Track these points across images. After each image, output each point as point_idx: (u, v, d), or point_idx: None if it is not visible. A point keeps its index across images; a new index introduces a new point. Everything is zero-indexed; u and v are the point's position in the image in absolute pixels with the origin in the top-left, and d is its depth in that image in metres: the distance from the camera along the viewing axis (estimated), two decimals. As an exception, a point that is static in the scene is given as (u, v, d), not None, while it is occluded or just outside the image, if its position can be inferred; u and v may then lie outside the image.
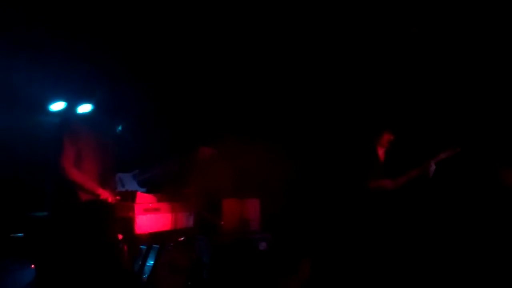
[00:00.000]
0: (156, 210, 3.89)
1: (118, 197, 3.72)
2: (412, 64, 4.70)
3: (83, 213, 3.49)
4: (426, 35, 4.34)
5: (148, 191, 4.14)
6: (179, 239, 4.18)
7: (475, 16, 4.04)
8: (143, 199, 3.82)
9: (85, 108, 4.09)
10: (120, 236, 3.60)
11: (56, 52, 4.19)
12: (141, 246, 4.02)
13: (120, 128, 3.85)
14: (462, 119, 4.65)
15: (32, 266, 3.85)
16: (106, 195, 3.58)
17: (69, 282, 3.40)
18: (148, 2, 3.86)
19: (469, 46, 4.36)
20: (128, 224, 3.68)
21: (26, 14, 3.77)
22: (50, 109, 4.31)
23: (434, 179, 4.15)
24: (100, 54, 4.26)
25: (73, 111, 4.11)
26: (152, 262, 4.04)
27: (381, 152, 4.41)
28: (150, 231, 3.80)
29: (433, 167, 4.07)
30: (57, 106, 4.31)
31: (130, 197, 3.78)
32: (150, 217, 3.83)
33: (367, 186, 4.20)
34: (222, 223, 4.67)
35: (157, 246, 4.08)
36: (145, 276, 4.04)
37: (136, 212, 3.69)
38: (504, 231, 4.25)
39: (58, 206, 3.50)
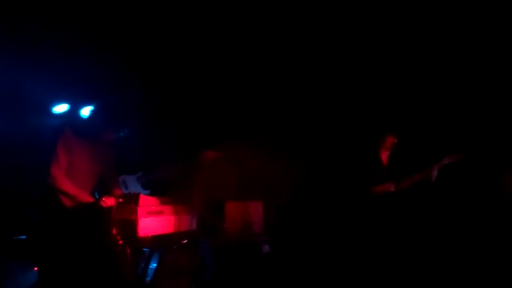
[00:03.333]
0: (159, 212, 3.88)
1: (120, 200, 3.71)
2: (415, 67, 4.70)
3: (82, 215, 3.48)
4: (429, 38, 4.34)
5: (151, 194, 4.14)
6: (182, 241, 4.18)
7: (477, 19, 4.04)
8: (146, 201, 3.82)
9: (88, 110, 4.09)
10: (120, 241, 3.59)
11: (60, 54, 4.20)
12: (144, 249, 4.01)
13: (124, 131, 3.84)
14: (463, 122, 4.64)
15: (35, 268, 3.84)
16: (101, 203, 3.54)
17: (72, 284, 3.39)
18: (154, 5, 3.87)
19: (472, 49, 4.36)
20: (131, 226, 3.67)
21: (30, 16, 3.78)
22: (53, 111, 4.31)
23: (436, 182, 4.15)
24: (104, 57, 4.27)
25: (76, 113, 4.12)
26: (155, 265, 4.04)
27: (385, 155, 4.40)
28: (153, 234, 3.80)
29: (436, 172, 4.07)
30: (61, 108, 4.31)
31: (133, 199, 3.77)
32: (153, 219, 3.82)
33: (370, 190, 4.19)
34: (225, 225, 4.66)
35: (160, 248, 4.07)
36: (148, 279, 4.03)
37: (139, 214, 3.68)
38: (504, 234, 4.25)
39: (53, 209, 3.48)
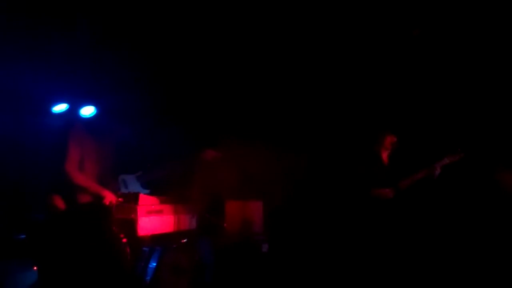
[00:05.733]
0: (159, 212, 3.89)
1: (120, 199, 3.72)
2: (414, 66, 4.70)
3: (82, 215, 3.50)
4: (428, 37, 4.34)
5: (151, 193, 4.15)
6: (182, 241, 4.18)
7: (476, 18, 4.04)
8: (146, 201, 3.82)
9: (88, 110, 4.09)
10: (124, 239, 3.60)
11: (60, 53, 4.19)
12: (144, 248, 4.01)
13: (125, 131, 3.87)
14: (463, 121, 4.64)
15: (35, 268, 3.84)
16: (110, 197, 3.59)
17: (72, 283, 3.39)
18: (155, 5, 3.87)
19: (471, 49, 4.36)
20: (130, 226, 3.68)
21: (29, 15, 3.78)
22: (53, 111, 4.29)
23: (435, 182, 4.15)
24: (104, 56, 4.27)
25: (76, 113, 4.11)
26: (155, 264, 4.03)
27: (384, 154, 4.39)
28: (153, 233, 3.80)
29: (438, 170, 4.07)
30: (60, 107, 4.29)
31: (133, 199, 3.78)
32: (153, 219, 3.83)
33: (369, 192, 4.19)
34: (225, 225, 4.66)
35: (160, 247, 4.07)
36: (148, 278, 4.02)
37: (138, 214, 3.69)
38: (503, 233, 4.25)
39: (57, 209, 3.51)
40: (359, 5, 4.02)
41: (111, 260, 3.55)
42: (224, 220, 4.71)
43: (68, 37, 4.05)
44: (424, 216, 4.63)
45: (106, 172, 3.77)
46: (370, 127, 4.57)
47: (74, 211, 3.51)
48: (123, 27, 4.11)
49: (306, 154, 5.11)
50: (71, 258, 3.42)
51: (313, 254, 4.92)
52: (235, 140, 4.66)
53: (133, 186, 4.43)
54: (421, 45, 4.45)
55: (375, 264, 4.05)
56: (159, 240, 3.90)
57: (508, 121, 4.46)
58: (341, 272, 4.45)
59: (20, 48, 4.05)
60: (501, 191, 4.32)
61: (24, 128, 4.55)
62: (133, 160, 4.46)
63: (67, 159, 3.45)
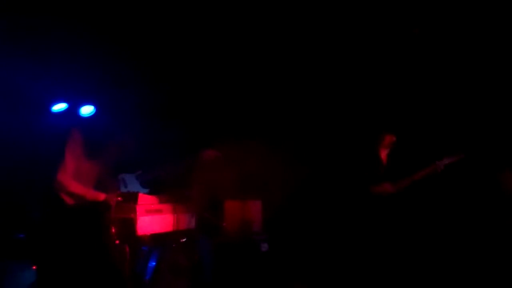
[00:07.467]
0: (158, 211, 3.89)
1: (120, 198, 3.72)
2: (415, 66, 4.69)
3: (80, 215, 3.50)
4: (428, 36, 4.34)
5: (150, 192, 4.15)
6: (181, 240, 4.18)
7: (476, 18, 4.03)
8: (145, 200, 3.83)
9: (87, 109, 4.09)
10: (117, 241, 3.60)
11: (59, 52, 4.19)
12: (143, 247, 4.01)
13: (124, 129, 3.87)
14: (463, 121, 4.64)
15: (34, 267, 3.85)
16: (109, 200, 3.57)
17: (71, 283, 3.39)
18: (155, 3, 3.86)
19: (471, 48, 4.36)
20: (129, 225, 3.68)
21: (29, 13, 3.77)
22: (52, 110, 4.29)
23: (433, 181, 4.15)
24: (104, 56, 4.26)
25: (76, 113, 4.12)
26: (154, 264, 4.04)
27: (384, 154, 4.39)
28: (152, 232, 3.80)
29: (441, 166, 4.06)
30: (59, 106, 4.29)
31: (132, 198, 3.78)
32: (152, 218, 3.83)
33: (368, 190, 4.19)
34: (224, 224, 4.66)
35: (159, 247, 4.07)
36: (147, 277, 4.03)
37: (138, 213, 3.70)
38: (504, 234, 4.25)
39: (51, 209, 3.50)
40: (358, 4, 4.02)
41: (110, 259, 3.55)
42: (223, 219, 4.70)
43: (68, 35, 4.05)
44: (425, 215, 4.63)
45: (105, 172, 3.77)
46: (370, 127, 4.56)
47: (73, 211, 3.50)
48: (122, 26, 4.11)
49: (305, 153, 5.12)
50: (69, 258, 3.42)
51: (313, 253, 4.92)
52: (234, 139, 4.66)
53: (133, 185, 4.43)
54: (421, 44, 4.44)
55: (375, 263, 4.05)
56: (158, 239, 3.90)
57: (509, 121, 4.46)
58: (341, 270, 4.46)
59: (19, 47, 4.05)
60: (502, 192, 4.31)
61: (24, 127, 4.55)
62: (132, 159, 4.46)
63: (61, 168, 3.41)
